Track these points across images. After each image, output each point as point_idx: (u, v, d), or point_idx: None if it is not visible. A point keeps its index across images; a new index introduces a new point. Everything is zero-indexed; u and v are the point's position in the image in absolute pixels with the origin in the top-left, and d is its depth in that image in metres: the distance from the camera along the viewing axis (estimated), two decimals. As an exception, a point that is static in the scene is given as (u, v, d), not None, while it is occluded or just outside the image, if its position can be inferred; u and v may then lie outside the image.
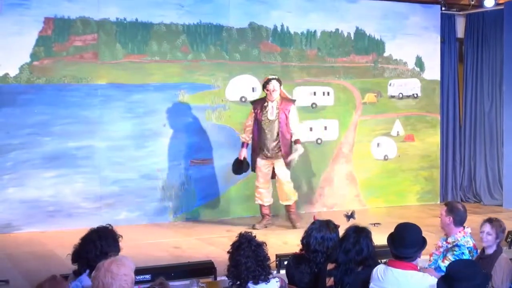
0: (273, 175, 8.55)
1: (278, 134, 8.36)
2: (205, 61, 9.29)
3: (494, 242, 5.48)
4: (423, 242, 4.47)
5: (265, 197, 8.54)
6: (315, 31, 9.95)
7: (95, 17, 8.68)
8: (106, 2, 8.72)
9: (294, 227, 8.37)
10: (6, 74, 8.26)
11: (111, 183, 8.76)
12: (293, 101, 8.61)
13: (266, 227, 8.46)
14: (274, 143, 8.37)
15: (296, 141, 8.48)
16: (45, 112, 8.45)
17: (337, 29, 10.11)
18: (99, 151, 8.70)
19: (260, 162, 8.45)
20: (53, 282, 3.77)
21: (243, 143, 8.55)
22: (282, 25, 9.73)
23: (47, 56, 8.47)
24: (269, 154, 8.38)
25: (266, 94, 8.41)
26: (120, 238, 4.53)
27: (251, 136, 8.49)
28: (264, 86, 8.44)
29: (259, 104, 8.46)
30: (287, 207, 8.60)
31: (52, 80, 8.50)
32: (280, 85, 8.41)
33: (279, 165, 8.44)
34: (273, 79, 8.37)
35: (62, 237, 7.40)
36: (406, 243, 4.37)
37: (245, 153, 8.52)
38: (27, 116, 8.35)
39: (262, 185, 8.51)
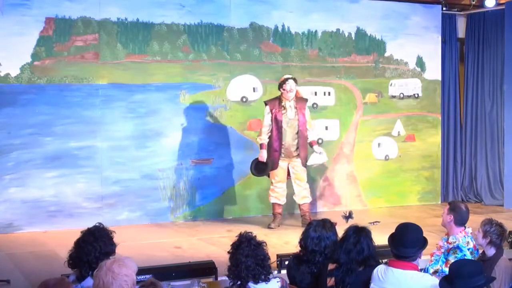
0: (287, 175, 8.59)
1: (297, 134, 8.40)
2: (206, 61, 9.29)
3: (483, 242, 5.43)
4: (423, 242, 4.47)
5: (281, 196, 8.56)
6: (316, 31, 9.96)
7: (96, 17, 8.69)
8: (107, 2, 8.73)
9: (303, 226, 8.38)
10: (7, 74, 8.28)
11: (112, 183, 8.77)
12: (306, 99, 8.67)
13: (279, 226, 8.49)
14: (293, 143, 8.40)
15: (312, 143, 8.61)
16: (47, 112, 8.46)
17: (338, 29, 10.11)
18: (100, 151, 8.71)
19: (279, 161, 8.45)
20: (60, 284, 3.76)
21: (261, 145, 8.48)
22: (283, 25, 9.73)
23: (48, 56, 8.48)
24: (287, 154, 8.40)
25: (282, 93, 8.39)
26: (113, 234, 4.55)
27: (268, 136, 8.45)
28: (281, 85, 8.40)
29: (275, 104, 8.43)
30: (303, 206, 8.60)
31: (53, 80, 8.51)
32: (296, 84, 8.44)
33: (298, 165, 8.47)
34: (290, 78, 8.36)
35: (64, 237, 7.37)
36: (406, 243, 4.38)
37: (266, 154, 8.46)
38: (28, 116, 8.36)
39: (279, 184, 8.52)
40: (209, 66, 9.30)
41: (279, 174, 8.51)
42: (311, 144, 8.62)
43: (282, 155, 8.43)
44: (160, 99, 9.02)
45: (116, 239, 4.58)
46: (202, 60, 9.28)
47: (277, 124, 8.38)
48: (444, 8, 10.74)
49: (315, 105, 9.93)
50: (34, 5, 8.36)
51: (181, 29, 9.15)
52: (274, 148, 8.44)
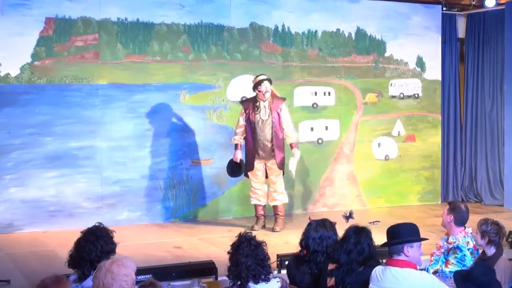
0: (266, 175, 8.49)
1: (272, 134, 8.30)
2: (206, 61, 9.30)
3: (483, 242, 5.43)
4: (416, 230, 4.45)
5: (261, 197, 8.48)
6: (316, 31, 9.96)
7: (96, 17, 8.69)
8: (107, 2, 8.73)
9: (272, 229, 8.33)
10: (8, 74, 8.28)
11: (112, 183, 8.77)
12: (284, 99, 8.52)
13: (264, 227, 8.45)
14: (268, 143, 8.30)
15: (292, 145, 8.46)
16: (47, 112, 8.46)
17: (338, 29, 10.11)
18: (100, 151, 8.71)
19: (255, 162, 8.39)
20: (56, 282, 3.76)
21: (236, 145, 8.43)
22: (283, 25, 9.73)
23: (48, 56, 8.48)
24: (263, 155, 8.32)
25: (257, 94, 8.30)
26: (113, 233, 4.56)
27: (243, 137, 8.43)
28: (256, 87, 8.31)
29: (250, 104, 8.37)
30: (275, 208, 8.49)
31: (53, 80, 8.51)
32: (271, 84, 8.35)
33: (272, 167, 8.36)
34: (265, 80, 8.26)
35: (64, 237, 7.39)
36: (398, 232, 4.39)
37: (240, 155, 8.44)
38: (28, 116, 8.36)
39: (258, 185, 8.45)
40: (209, 66, 9.31)
41: (256, 175, 8.42)
42: (291, 146, 8.47)
43: (257, 156, 8.32)
44: (160, 99, 9.02)
45: (116, 239, 4.59)
46: (202, 60, 9.28)
47: (250, 125, 8.30)
48: (444, 8, 10.75)
49: (315, 105, 9.93)
50: (34, 5, 8.36)
51: (181, 29, 9.15)
52: (249, 149, 8.38)
